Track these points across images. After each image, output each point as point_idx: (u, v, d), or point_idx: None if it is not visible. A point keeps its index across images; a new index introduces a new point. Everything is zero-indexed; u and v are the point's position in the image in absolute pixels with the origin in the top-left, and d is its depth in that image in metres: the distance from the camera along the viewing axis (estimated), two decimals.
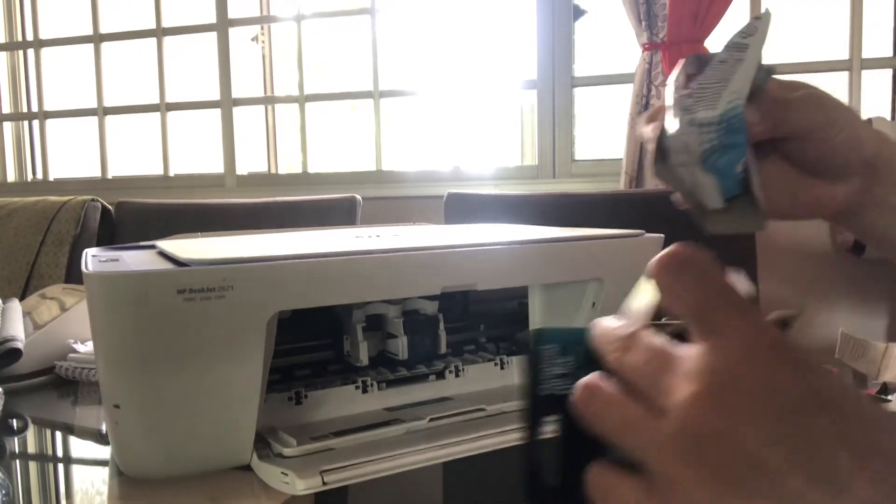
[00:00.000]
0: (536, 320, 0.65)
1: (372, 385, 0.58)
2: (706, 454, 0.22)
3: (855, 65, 1.93)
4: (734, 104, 0.33)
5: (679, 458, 0.22)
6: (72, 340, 0.80)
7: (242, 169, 2.51)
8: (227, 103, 2.46)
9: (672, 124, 0.36)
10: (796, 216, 0.43)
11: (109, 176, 2.65)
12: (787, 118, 0.40)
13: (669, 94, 0.38)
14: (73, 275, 1.67)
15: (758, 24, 0.34)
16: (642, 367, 0.25)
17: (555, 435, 0.27)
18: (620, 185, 1.92)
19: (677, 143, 0.35)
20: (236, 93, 2.47)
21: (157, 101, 2.55)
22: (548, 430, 0.27)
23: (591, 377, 0.26)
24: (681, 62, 0.42)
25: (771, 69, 0.40)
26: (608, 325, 0.27)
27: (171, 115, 2.57)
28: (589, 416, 0.25)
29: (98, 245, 0.80)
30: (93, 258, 0.53)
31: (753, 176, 0.35)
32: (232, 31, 2.45)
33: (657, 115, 0.42)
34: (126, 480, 0.49)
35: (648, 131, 0.43)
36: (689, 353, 0.24)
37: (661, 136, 0.37)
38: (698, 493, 0.22)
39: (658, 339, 0.25)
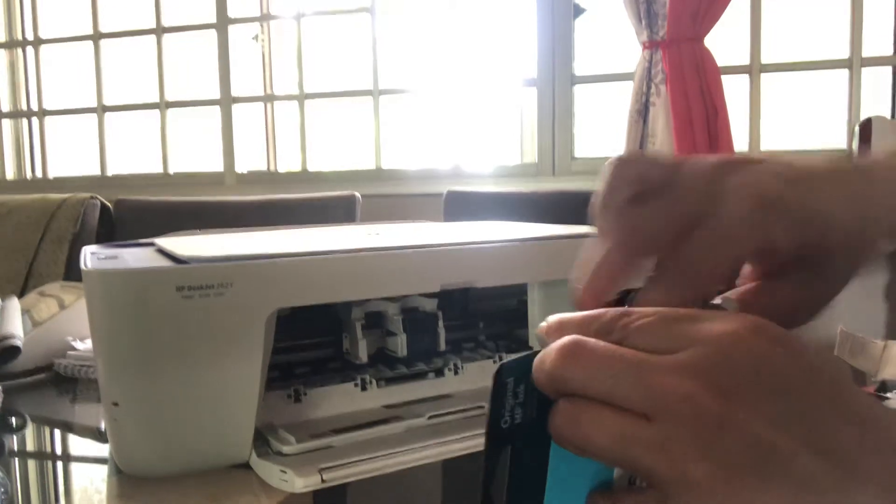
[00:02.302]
0: (536, 318, 0.64)
1: (371, 382, 0.58)
2: (715, 446, 0.21)
3: (855, 63, 1.93)
4: None
5: (687, 456, 0.21)
6: (70, 338, 0.80)
7: (242, 167, 2.51)
8: (226, 101, 2.46)
9: None
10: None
11: (109, 174, 2.65)
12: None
13: None
14: (72, 272, 1.67)
15: None
16: (607, 377, 0.23)
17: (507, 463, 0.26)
18: None
19: None
20: (236, 91, 2.47)
21: (156, 98, 2.55)
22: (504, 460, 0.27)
23: (562, 402, 0.24)
24: None
25: None
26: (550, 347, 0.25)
27: (171, 113, 2.57)
28: (577, 442, 0.24)
29: (97, 243, 0.80)
30: (91, 256, 0.53)
31: None
32: (232, 29, 2.45)
33: None
34: (125, 478, 0.49)
35: None
36: (662, 358, 0.23)
37: None
38: (715, 487, 0.21)
39: (605, 345, 0.24)
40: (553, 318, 0.27)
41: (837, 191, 0.28)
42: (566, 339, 0.25)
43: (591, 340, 0.24)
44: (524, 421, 0.26)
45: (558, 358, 0.24)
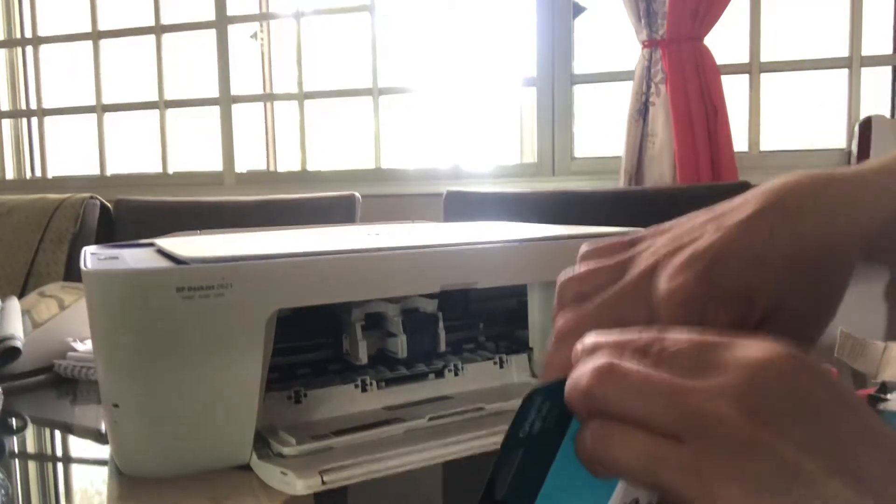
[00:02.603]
0: (536, 319, 0.64)
1: (371, 384, 0.58)
2: (744, 468, 0.21)
3: (855, 63, 1.93)
4: None
5: (716, 477, 0.22)
6: (71, 339, 0.80)
7: (241, 166, 2.50)
8: (225, 100, 2.46)
9: None
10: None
11: (108, 173, 2.65)
12: None
13: None
14: (72, 273, 1.67)
15: None
16: (641, 398, 0.24)
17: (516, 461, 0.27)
18: (620, 182, 1.92)
19: None
20: (235, 90, 2.47)
21: (155, 98, 2.55)
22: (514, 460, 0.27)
23: (593, 423, 0.25)
24: None
25: None
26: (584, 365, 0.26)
27: (170, 113, 2.57)
28: (606, 462, 0.24)
29: (97, 243, 0.80)
30: (91, 256, 0.53)
31: None
32: (231, 28, 2.45)
33: None
34: (125, 480, 0.49)
35: None
36: (695, 382, 0.23)
37: None
38: None
39: (639, 368, 0.24)
40: (588, 339, 0.27)
41: (787, 236, 0.29)
42: (602, 360, 0.25)
43: (627, 363, 0.25)
44: (541, 429, 0.27)
45: (594, 377, 0.25)
